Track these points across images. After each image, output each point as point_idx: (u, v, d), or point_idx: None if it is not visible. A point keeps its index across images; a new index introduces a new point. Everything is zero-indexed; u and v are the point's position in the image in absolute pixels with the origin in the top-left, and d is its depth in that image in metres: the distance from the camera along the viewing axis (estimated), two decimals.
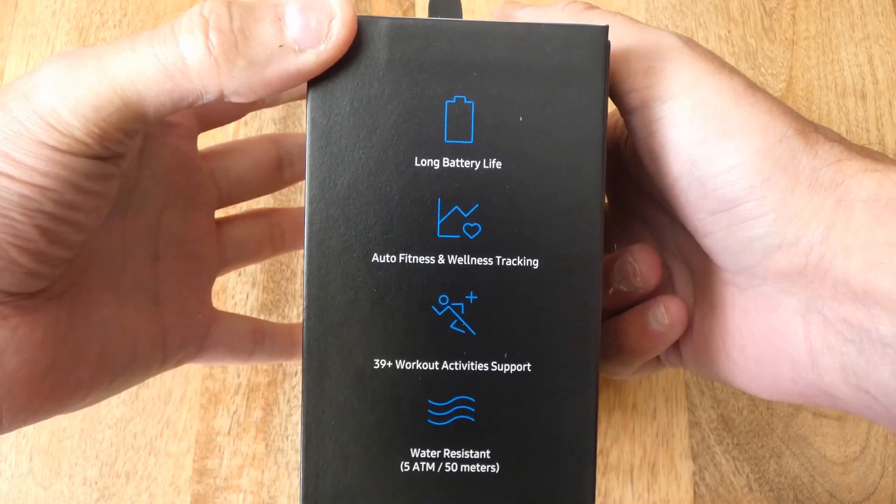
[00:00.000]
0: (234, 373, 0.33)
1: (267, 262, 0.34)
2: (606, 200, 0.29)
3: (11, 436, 0.32)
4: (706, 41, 0.38)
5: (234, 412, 0.33)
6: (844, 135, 0.35)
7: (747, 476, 0.33)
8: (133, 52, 0.18)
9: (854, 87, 0.38)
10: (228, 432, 0.32)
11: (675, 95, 0.20)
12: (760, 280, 0.21)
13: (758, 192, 0.19)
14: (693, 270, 0.25)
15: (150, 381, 0.33)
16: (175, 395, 0.33)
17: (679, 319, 0.24)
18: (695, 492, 0.32)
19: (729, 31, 0.39)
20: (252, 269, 0.34)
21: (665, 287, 0.26)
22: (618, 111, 0.24)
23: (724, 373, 0.24)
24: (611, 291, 0.25)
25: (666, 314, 0.24)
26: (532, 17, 0.23)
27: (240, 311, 0.34)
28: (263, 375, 0.33)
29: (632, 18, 0.22)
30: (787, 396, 0.22)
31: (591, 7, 0.23)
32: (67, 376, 0.20)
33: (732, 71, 0.21)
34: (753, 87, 0.20)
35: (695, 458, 0.33)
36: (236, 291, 0.34)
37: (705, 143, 0.20)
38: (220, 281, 0.34)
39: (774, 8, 0.39)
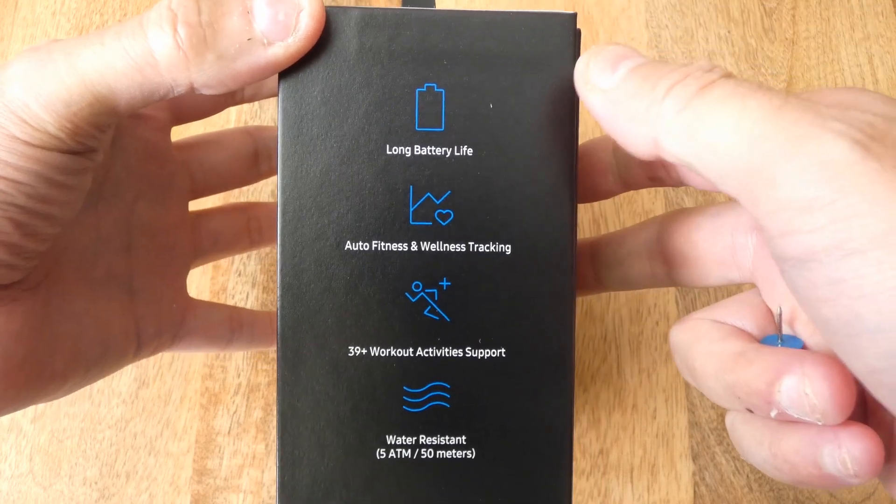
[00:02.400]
0: (234, 373, 0.33)
1: (267, 261, 0.35)
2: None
3: (11, 436, 0.32)
4: (706, 41, 0.38)
5: (234, 412, 0.33)
6: None
7: (747, 476, 0.33)
8: (102, 47, 0.18)
9: None
10: (228, 432, 0.33)
11: (865, 250, 0.14)
12: None
13: None
14: None
15: (150, 380, 0.33)
16: (175, 395, 0.33)
17: (870, 468, 0.17)
18: (695, 492, 0.32)
19: (729, 31, 0.39)
20: (252, 268, 0.34)
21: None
22: None
23: None
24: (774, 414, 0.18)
25: (849, 462, 0.17)
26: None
27: None
28: (263, 375, 0.33)
29: (780, 94, 0.16)
30: None
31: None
32: (43, 367, 0.20)
33: None
34: None
35: (695, 458, 0.33)
36: (236, 291, 0.34)
37: None
38: (220, 281, 0.34)
39: (774, 8, 0.39)
